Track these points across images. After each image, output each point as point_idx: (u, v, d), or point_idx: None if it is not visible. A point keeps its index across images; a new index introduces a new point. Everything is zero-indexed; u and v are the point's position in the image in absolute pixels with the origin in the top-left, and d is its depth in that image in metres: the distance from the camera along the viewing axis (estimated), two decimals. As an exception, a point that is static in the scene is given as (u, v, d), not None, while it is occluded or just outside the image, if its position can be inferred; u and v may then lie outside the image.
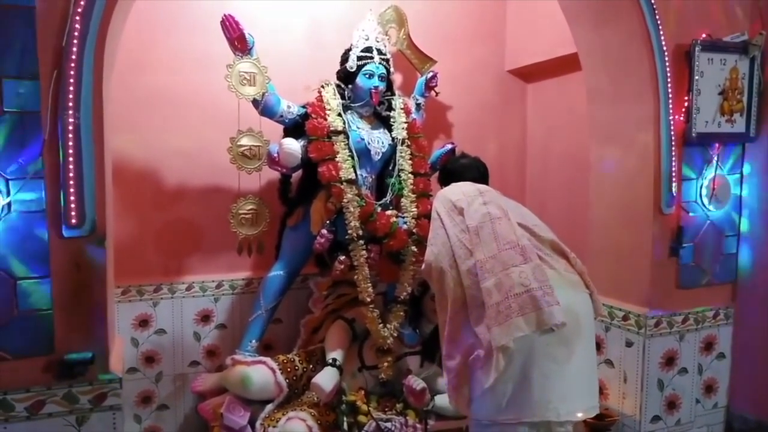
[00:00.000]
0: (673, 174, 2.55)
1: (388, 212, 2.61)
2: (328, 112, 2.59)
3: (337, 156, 2.53)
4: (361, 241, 2.52)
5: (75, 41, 1.78)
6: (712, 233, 2.69)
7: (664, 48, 2.48)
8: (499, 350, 1.79)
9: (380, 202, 2.65)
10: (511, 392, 1.86)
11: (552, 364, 1.86)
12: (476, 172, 2.38)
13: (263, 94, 2.47)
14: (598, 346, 2.72)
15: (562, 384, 1.87)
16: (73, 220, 1.82)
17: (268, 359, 2.52)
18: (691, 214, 2.64)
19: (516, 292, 1.83)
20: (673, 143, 2.54)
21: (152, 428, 2.84)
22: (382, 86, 2.68)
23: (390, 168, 2.73)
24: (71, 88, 1.78)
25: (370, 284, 2.56)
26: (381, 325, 2.57)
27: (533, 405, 1.86)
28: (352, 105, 2.69)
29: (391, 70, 2.76)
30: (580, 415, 1.96)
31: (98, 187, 1.86)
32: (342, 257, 2.55)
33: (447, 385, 2.03)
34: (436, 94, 3.10)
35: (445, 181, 2.38)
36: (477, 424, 2.00)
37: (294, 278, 2.78)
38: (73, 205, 1.81)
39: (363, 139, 2.64)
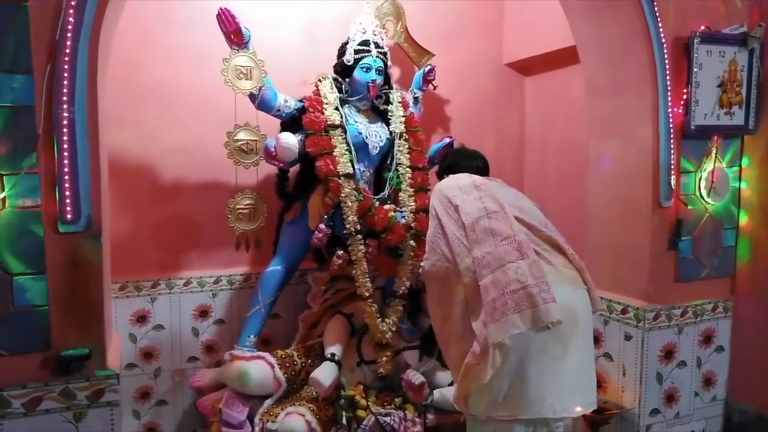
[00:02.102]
0: (672, 167, 2.54)
1: (387, 207, 2.60)
2: (325, 106, 2.58)
3: (335, 150, 2.52)
4: (360, 236, 2.52)
5: (69, 35, 1.76)
6: (710, 226, 2.69)
7: (663, 40, 2.47)
8: (495, 347, 1.78)
9: (378, 197, 2.64)
10: (506, 389, 1.85)
11: (548, 360, 1.86)
12: (477, 161, 2.37)
13: (260, 88, 2.45)
14: (597, 339, 2.71)
15: (558, 381, 1.87)
16: (69, 216, 1.80)
17: (266, 354, 2.51)
18: (689, 207, 2.63)
19: (512, 289, 1.82)
20: (671, 136, 2.53)
21: (151, 424, 2.84)
22: (379, 80, 2.66)
23: (388, 162, 2.72)
24: (65, 83, 1.76)
25: (368, 279, 2.55)
26: (380, 320, 2.56)
27: (529, 402, 1.85)
28: (350, 99, 2.68)
29: (389, 63, 2.75)
30: (579, 410, 1.95)
31: (94, 183, 1.84)
32: (340, 252, 2.54)
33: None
34: (434, 87, 3.09)
35: (445, 173, 2.36)
36: (474, 420, 2.00)
37: (292, 273, 2.77)
38: (68, 201, 1.80)
39: (361, 133, 2.63)
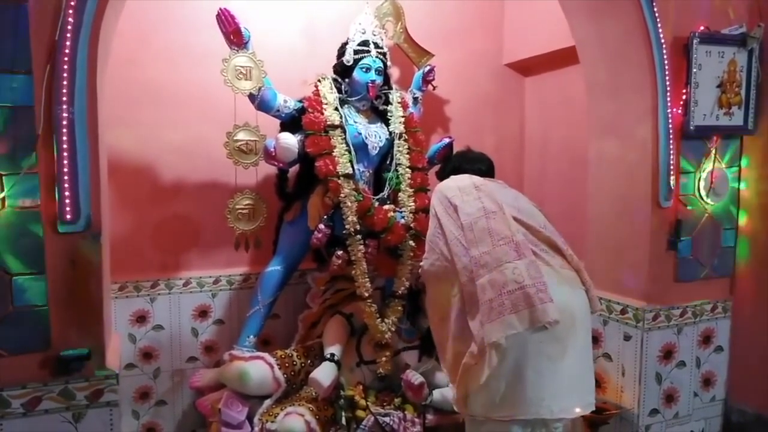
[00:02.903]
0: (671, 167, 2.54)
1: (386, 207, 2.60)
2: (324, 106, 2.58)
3: (334, 150, 2.52)
4: (359, 236, 2.52)
5: (68, 35, 1.76)
6: (710, 226, 2.69)
7: (662, 41, 2.47)
8: (492, 347, 1.78)
9: (378, 197, 2.64)
10: (504, 389, 1.85)
11: (545, 361, 1.86)
12: (483, 164, 2.37)
13: (259, 89, 2.45)
14: (596, 339, 2.72)
15: (556, 381, 1.87)
16: (68, 216, 1.80)
17: (266, 354, 2.51)
18: (689, 207, 2.63)
19: (509, 289, 1.82)
20: (671, 136, 2.53)
21: (150, 424, 2.84)
22: (378, 80, 2.66)
23: (387, 162, 2.73)
24: (65, 83, 1.76)
25: (367, 279, 2.55)
26: (379, 320, 2.56)
27: (526, 402, 1.86)
28: (349, 99, 2.68)
29: (388, 63, 2.75)
30: (577, 411, 1.96)
31: (93, 183, 1.84)
32: (340, 252, 2.54)
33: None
34: (434, 88, 3.09)
35: (448, 175, 2.35)
36: (472, 421, 2.00)
37: (292, 273, 2.77)
38: (67, 201, 1.80)
39: (360, 134, 2.63)
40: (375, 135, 2.68)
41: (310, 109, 2.56)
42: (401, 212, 2.62)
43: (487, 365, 1.79)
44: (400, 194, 2.66)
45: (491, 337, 1.78)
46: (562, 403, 1.89)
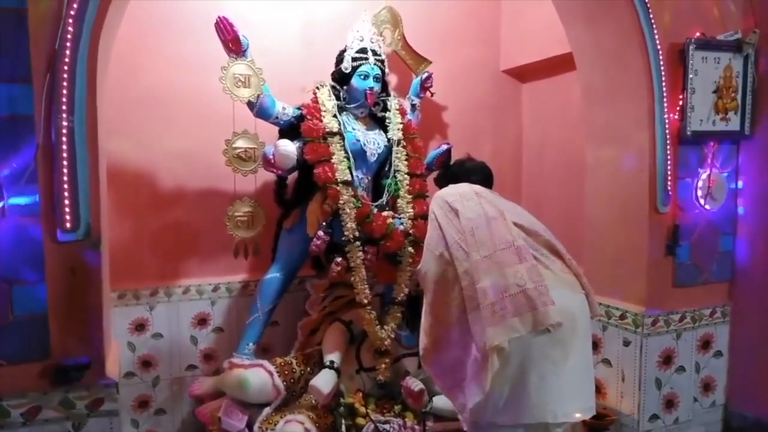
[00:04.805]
0: (669, 173, 2.55)
1: (385, 213, 2.60)
2: (323, 113, 2.59)
3: (333, 157, 2.53)
4: (358, 243, 2.52)
5: (68, 44, 1.77)
6: (708, 231, 2.69)
7: (658, 47, 2.49)
8: (494, 351, 1.78)
9: (376, 204, 2.64)
10: (507, 394, 1.85)
11: (548, 365, 1.85)
12: (481, 174, 2.37)
13: (258, 96, 2.46)
14: (596, 345, 2.72)
15: (559, 385, 1.86)
16: (68, 225, 1.80)
17: (265, 362, 2.51)
18: (686, 212, 2.64)
19: (511, 293, 1.82)
20: (668, 142, 2.54)
21: (150, 433, 2.83)
22: (377, 87, 2.67)
23: (386, 169, 2.73)
24: (65, 92, 1.77)
25: (367, 286, 2.55)
26: (378, 327, 2.56)
27: (530, 407, 1.85)
28: (348, 106, 2.69)
29: (386, 71, 2.76)
30: (578, 416, 1.95)
31: (93, 191, 1.85)
32: (339, 259, 2.54)
33: (447, 387, 2.02)
34: (432, 94, 3.10)
35: (447, 183, 2.35)
36: (474, 426, 1.99)
37: (291, 280, 2.77)
38: (67, 210, 1.80)
39: (359, 141, 2.64)
40: (373, 142, 2.68)
41: (308, 117, 2.57)
42: (400, 219, 2.63)
43: (489, 369, 1.79)
44: (398, 201, 2.67)
45: (494, 341, 1.78)
46: (565, 408, 1.89)
